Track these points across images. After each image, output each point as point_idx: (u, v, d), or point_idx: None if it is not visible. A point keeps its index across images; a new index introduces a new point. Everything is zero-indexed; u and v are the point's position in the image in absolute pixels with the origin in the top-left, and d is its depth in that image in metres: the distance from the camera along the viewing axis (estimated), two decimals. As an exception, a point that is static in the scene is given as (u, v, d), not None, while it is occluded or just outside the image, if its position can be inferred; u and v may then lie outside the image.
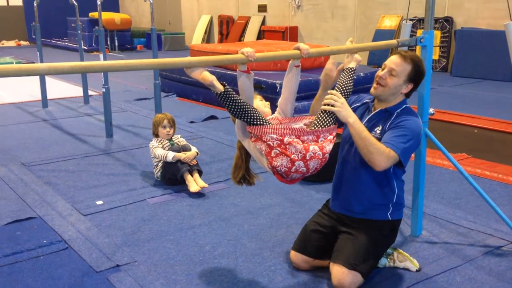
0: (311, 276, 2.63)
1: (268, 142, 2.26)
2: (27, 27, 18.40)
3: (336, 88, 2.51)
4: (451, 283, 2.55)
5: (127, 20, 16.04)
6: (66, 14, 16.97)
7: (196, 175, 3.92)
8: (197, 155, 4.08)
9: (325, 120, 2.37)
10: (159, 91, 5.82)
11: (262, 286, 2.55)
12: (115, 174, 4.27)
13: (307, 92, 6.15)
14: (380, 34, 10.95)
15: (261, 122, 2.28)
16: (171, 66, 2.13)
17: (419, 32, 3.07)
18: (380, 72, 2.55)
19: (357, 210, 2.59)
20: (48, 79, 7.54)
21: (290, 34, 13.28)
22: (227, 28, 15.52)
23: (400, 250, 2.74)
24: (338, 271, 2.43)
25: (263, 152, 2.29)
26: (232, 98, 2.24)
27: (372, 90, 2.58)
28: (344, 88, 2.50)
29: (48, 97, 7.26)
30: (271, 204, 3.61)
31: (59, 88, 8.70)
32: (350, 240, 2.54)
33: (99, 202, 3.64)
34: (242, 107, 2.25)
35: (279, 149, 2.25)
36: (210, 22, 16.39)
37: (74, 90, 8.51)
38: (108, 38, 15.35)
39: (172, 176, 3.92)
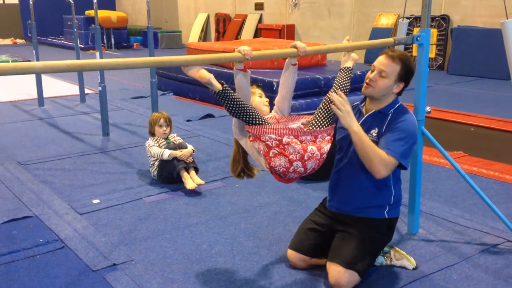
0: (308, 274, 2.63)
1: (267, 142, 2.25)
2: (23, 25, 18.32)
3: (333, 87, 2.51)
4: (447, 281, 2.56)
5: (124, 18, 15.99)
6: (62, 12, 16.89)
7: (193, 172, 3.92)
8: (193, 152, 4.07)
9: (323, 120, 2.37)
10: (155, 90, 5.81)
11: (259, 285, 2.55)
12: (111, 173, 4.26)
13: (304, 90, 6.16)
14: (376, 32, 10.95)
15: (260, 122, 2.27)
16: (167, 64, 2.13)
17: (416, 30, 3.07)
18: (370, 74, 2.54)
19: (354, 208, 2.59)
20: (44, 77, 7.51)
21: (287, 32, 13.29)
22: (224, 26, 15.51)
23: (397, 248, 2.74)
24: (335, 270, 2.43)
25: (261, 152, 2.28)
26: (231, 97, 2.23)
27: (363, 89, 2.58)
28: (342, 88, 2.50)
29: (45, 95, 7.23)
30: (268, 202, 3.61)
31: (55, 87, 8.67)
32: (347, 238, 2.54)
33: (95, 201, 3.63)
34: (240, 106, 2.24)
35: (277, 149, 2.25)
36: (207, 20, 16.37)
37: (70, 89, 8.49)
38: (105, 36, 15.28)
39: (169, 175, 3.91)
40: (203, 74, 2.17)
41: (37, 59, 6.89)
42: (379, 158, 2.38)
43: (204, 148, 4.93)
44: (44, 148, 5.01)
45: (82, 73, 7.21)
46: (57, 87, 8.66)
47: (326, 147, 2.35)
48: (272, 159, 2.26)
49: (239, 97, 2.26)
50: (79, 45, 7.64)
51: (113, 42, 15.71)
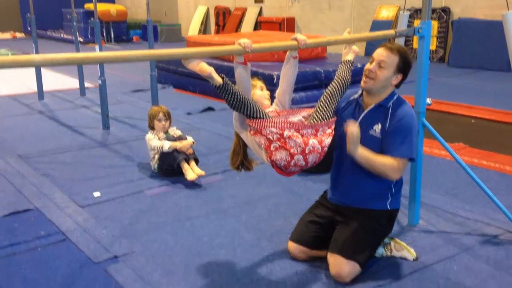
0: (309, 266, 2.64)
1: (268, 136, 2.25)
2: (22, 18, 18.28)
3: (335, 80, 2.50)
4: (448, 272, 2.57)
5: (123, 12, 15.95)
6: (61, 5, 16.84)
7: (193, 163, 3.92)
8: (193, 144, 4.07)
9: (324, 113, 2.37)
10: (155, 83, 5.80)
11: (260, 277, 2.56)
12: (112, 166, 4.26)
13: (304, 83, 6.15)
14: (377, 25, 10.91)
15: (261, 116, 2.26)
16: (167, 57, 2.12)
17: (417, 23, 3.06)
18: (369, 66, 2.55)
19: (355, 200, 2.60)
20: (44, 71, 7.49)
21: (287, 25, 13.24)
22: (224, 19, 15.45)
23: (397, 240, 2.75)
24: (335, 261, 2.44)
25: (262, 145, 2.28)
26: (231, 91, 2.21)
27: (362, 83, 2.58)
28: (343, 81, 2.50)
29: (44, 89, 7.23)
30: (269, 195, 3.62)
31: (55, 80, 8.65)
32: (348, 230, 2.54)
33: (96, 194, 3.64)
34: (241, 100, 2.23)
35: (278, 143, 2.25)
36: (207, 13, 16.31)
37: (70, 82, 8.47)
38: (104, 30, 15.24)
39: (169, 167, 3.92)
40: (203, 68, 2.15)
41: (37, 53, 6.88)
42: (390, 167, 2.45)
43: (205, 141, 4.93)
44: (45, 142, 5.01)
45: (81, 66, 7.20)
46: (57, 81, 8.65)
47: (327, 140, 2.35)
48: (273, 152, 2.26)
49: (240, 91, 2.26)
50: (79, 38, 7.62)
51: (112, 35, 15.67)
